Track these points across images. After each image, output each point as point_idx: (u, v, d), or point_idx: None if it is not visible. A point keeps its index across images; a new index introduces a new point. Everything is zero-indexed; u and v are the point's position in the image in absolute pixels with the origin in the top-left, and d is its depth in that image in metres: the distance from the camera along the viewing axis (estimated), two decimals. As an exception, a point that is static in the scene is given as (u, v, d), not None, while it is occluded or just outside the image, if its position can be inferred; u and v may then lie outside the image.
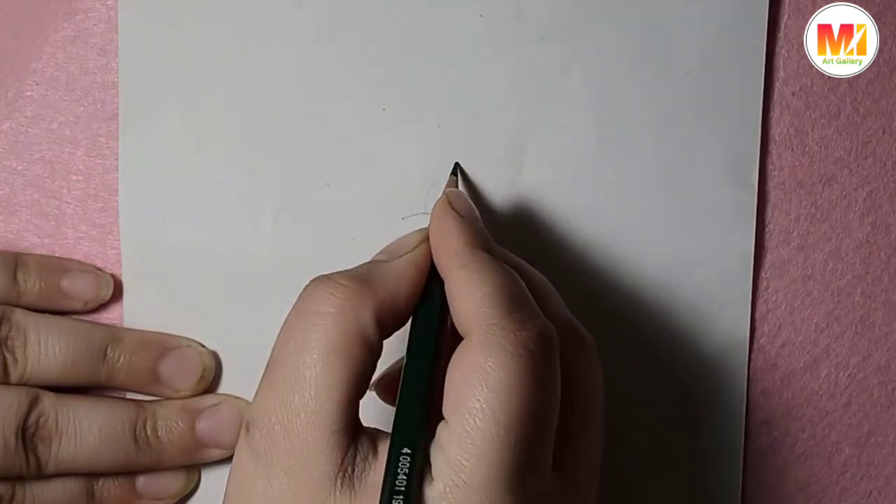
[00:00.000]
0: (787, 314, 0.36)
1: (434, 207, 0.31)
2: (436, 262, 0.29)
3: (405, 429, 0.26)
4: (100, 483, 0.34)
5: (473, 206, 0.31)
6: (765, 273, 0.36)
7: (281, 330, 0.28)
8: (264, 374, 0.28)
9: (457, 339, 0.27)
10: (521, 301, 0.27)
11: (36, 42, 0.35)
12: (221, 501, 0.28)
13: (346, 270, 0.28)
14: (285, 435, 0.26)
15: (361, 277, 0.28)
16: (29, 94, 0.35)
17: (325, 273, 0.28)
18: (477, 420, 0.25)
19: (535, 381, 0.26)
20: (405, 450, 0.26)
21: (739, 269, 0.36)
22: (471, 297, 0.27)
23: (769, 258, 0.36)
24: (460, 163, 0.35)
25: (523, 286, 0.28)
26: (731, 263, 0.36)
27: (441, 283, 0.29)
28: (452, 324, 0.28)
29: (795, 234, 0.36)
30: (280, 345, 0.28)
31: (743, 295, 0.36)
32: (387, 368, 0.31)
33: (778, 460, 0.37)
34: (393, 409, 0.27)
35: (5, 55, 0.36)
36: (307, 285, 0.28)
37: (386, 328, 0.28)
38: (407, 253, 0.29)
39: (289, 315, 0.28)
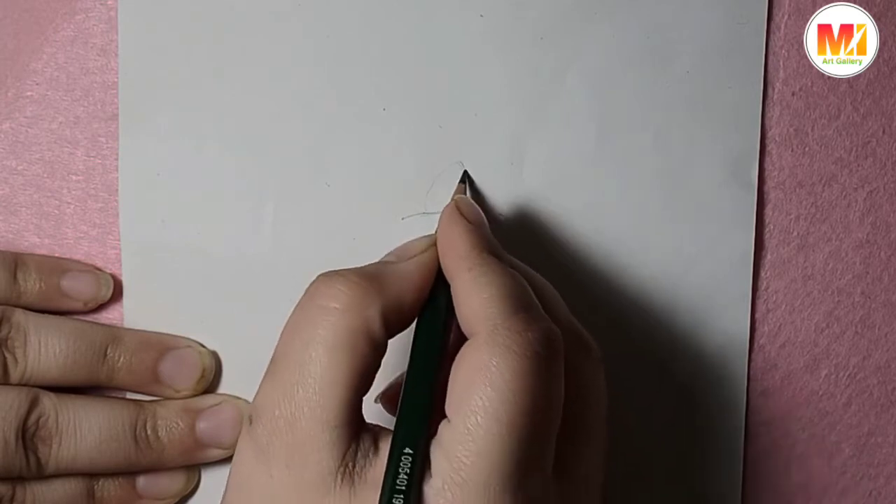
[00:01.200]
0: (787, 314, 0.36)
1: (442, 213, 0.31)
2: (443, 265, 0.29)
3: (407, 429, 0.26)
4: (100, 483, 0.34)
5: (481, 212, 0.31)
6: (765, 273, 0.36)
7: (287, 323, 0.28)
8: (268, 367, 0.28)
9: (460, 342, 0.27)
10: (527, 303, 0.27)
11: (36, 42, 0.35)
12: (222, 497, 0.28)
13: (355, 268, 0.28)
14: (288, 428, 0.26)
15: (370, 276, 0.28)
16: (29, 94, 0.35)
17: (333, 269, 0.28)
18: (479, 418, 0.25)
19: (539, 383, 0.26)
20: (407, 450, 0.26)
21: (739, 269, 0.36)
22: (477, 297, 0.27)
23: (769, 258, 0.36)
24: (461, 162, 0.35)
25: (529, 290, 0.28)
26: (731, 263, 0.36)
27: (447, 286, 0.29)
28: (456, 328, 0.28)
29: (795, 234, 0.36)
30: (285, 338, 0.28)
31: (743, 295, 0.36)
32: (392, 380, 0.32)
33: (778, 460, 0.37)
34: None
35: (5, 55, 0.36)
36: (315, 280, 0.28)
37: (391, 327, 0.28)
38: (415, 256, 0.29)
39: (295, 309, 0.28)
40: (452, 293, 0.28)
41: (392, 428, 0.27)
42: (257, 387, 0.35)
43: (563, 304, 0.31)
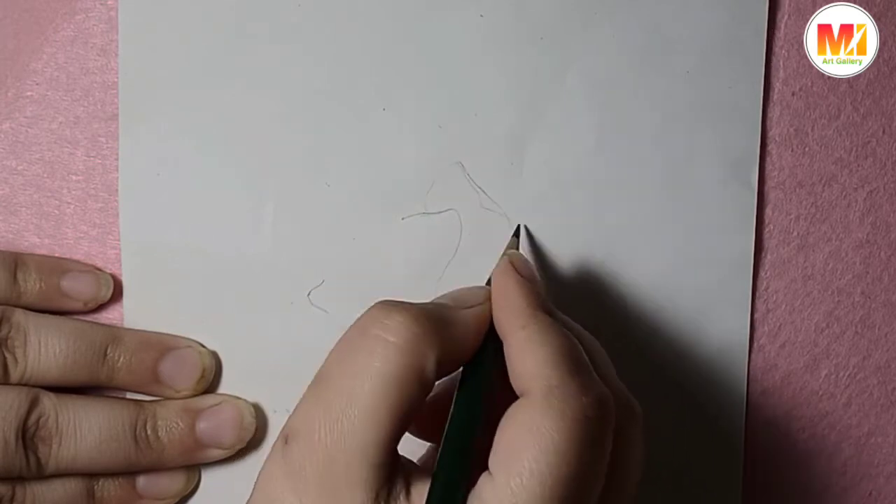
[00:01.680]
0: (787, 314, 0.36)
1: (496, 268, 0.31)
2: (496, 320, 0.29)
3: (447, 481, 0.26)
4: (100, 483, 0.34)
5: (535, 269, 0.31)
6: (765, 273, 0.36)
7: (339, 345, 0.27)
8: (313, 387, 0.27)
9: (506, 398, 0.27)
10: (581, 365, 0.27)
11: (36, 42, 0.35)
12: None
13: (416, 304, 0.28)
14: (326, 457, 0.26)
15: (432, 317, 0.27)
16: (29, 94, 0.35)
17: (392, 299, 0.28)
18: (524, 479, 0.25)
19: (588, 449, 0.26)
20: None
21: (739, 269, 0.36)
22: (532, 357, 0.27)
23: (769, 258, 0.36)
24: (461, 162, 0.35)
25: (582, 351, 0.28)
26: (731, 263, 0.36)
27: (496, 340, 0.29)
28: (503, 382, 0.28)
29: (795, 234, 0.36)
30: (336, 361, 0.27)
31: (743, 295, 0.36)
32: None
33: (778, 460, 0.37)
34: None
35: (5, 55, 0.36)
36: (374, 307, 0.27)
37: (442, 373, 0.27)
38: (473, 306, 0.29)
39: (350, 331, 0.27)
40: (506, 349, 0.28)
41: (418, 461, 0.26)
42: (257, 387, 0.35)
43: (610, 362, 0.31)
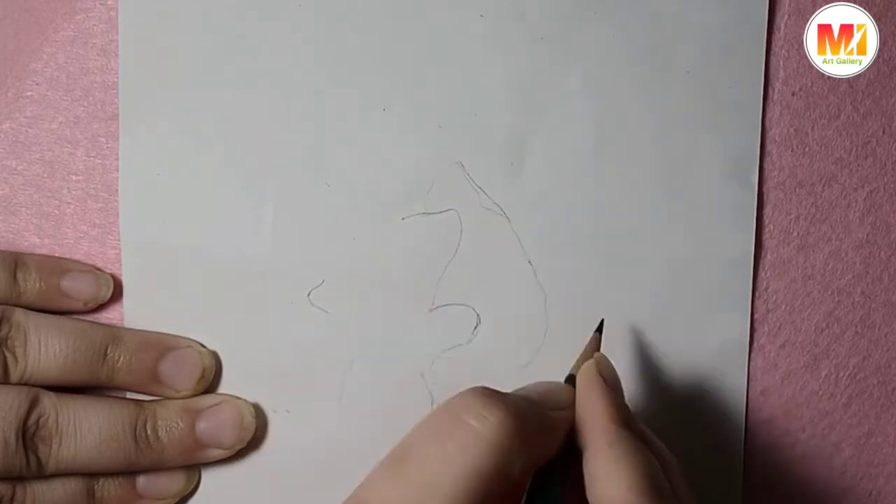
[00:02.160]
0: (787, 314, 0.36)
1: (582, 372, 0.30)
2: (580, 429, 0.29)
3: None
4: (100, 483, 0.34)
5: (617, 374, 0.31)
6: (765, 273, 0.36)
7: (425, 426, 0.27)
8: (391, 463, 0.26)
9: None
10: (665, 495, 0.27)
11: (36, 42, 0.35)
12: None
13: (512, 399, 0.27)
14: None
15: (528, 417, 0.27)
16: (29, 94, 0.35)
17: (485, 387, 0.27)
18: None
19: None
20: None
21: (739, 269, 0.36)
22: (618, 479, 0.27)
23: (769, 258, 0.36)
24: (461, 162, 0.35)
25: (663, 475, 0.28)
26: (731, 263, 0.36)
27: (573, 450, 0.29)
28: (576, 493, 0.28)
29: (795, 234, 0.36)
30: (421, 443, 0.26)
31: (743, 295, 0.36)
32: None
33: (778, 460, 0.37)
34: None
35: (5, 55, 0.36)
36: (470, 395, 0.27)
37: (525, 476, 0.27)
38: (559, 410, 0.29)
39: (440, 416, 0.27)
40: (588, 463, 0.28)
41: None
42: (257, 387, 0.35)
43: (683, 475, 0.30)
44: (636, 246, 0.35)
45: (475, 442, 0.26)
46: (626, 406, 0.30)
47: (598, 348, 0.33)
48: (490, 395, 0.27)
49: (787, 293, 0.36)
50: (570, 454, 0.29)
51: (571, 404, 0.29)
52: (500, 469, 0.26)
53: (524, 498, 0.28)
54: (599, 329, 0.34)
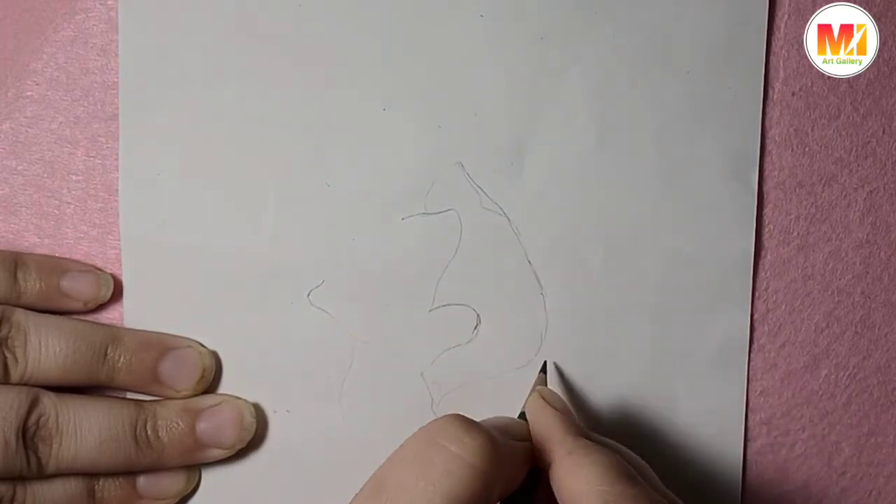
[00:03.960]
0: (787, 314, 0.36)
1: (528, 404, 0.31)
2: (540, 451, 0.30)
3: None
4: (100, 483, 0.34)
5: (564, 401, 0.32)
6: (765, 273, 0.36)
7: (404, 453, 0.27)
8: (373, 491, 0.26)
9: None
10: (632, 478, 0.28)
11: (36, 42, 0.35)
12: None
13: (484, 427, 0.27)
14: None
15: (502, 445, 0.27)
16: (29, 94, 0.35)
17: (459, 414, 0.27)
18: None
19: None
20: None
21: (739, 269, 0.36)
22: (583, 477, 0.27)
23: (769, 258, 0.36)
24: (461, 162, 0.35)
25: (628, 465, 0.28)
26: (731, 263, 0.36)
27: (534, 476, 0.30)
28: None
29: (795, 234, 0.36)
30: (404, 470, 0.26)
31: (743, 295, 0.36)
32: None
33: (778, 460, 0.37)
34: None
35: (5, 55, 0.36)
36: (446, 421, 0.27)
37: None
38: (521, 441, 0.30)
39: (416, 443, 0.27)
40: (553, 476, 0.28)
41: None
42: (257, 387, 0.35)
43: (654, 474, 0.31)
44: (636, 246, 0.35)
45: (458, 466, 0.26)
46: (579, 422, 0.31)
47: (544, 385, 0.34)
48: (467, 421, 0.27)
49: (787, 293, 0.36)
50: (534, 477, 0.30)
51: (529, 437, 0.30)
52: (481, 494, 0.26)
53: None
54: (543, 370, 0.35)
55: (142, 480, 0.35)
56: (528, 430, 0.30)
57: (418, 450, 0.26)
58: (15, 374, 0.33)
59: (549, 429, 0.30)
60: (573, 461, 0.28)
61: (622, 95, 0.35)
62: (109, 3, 0.35)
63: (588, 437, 0.30)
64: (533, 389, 0.33)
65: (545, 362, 0.35)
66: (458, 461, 0.26)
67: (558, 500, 0.28)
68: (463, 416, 0.27)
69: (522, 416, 0.32)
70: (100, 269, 0.36)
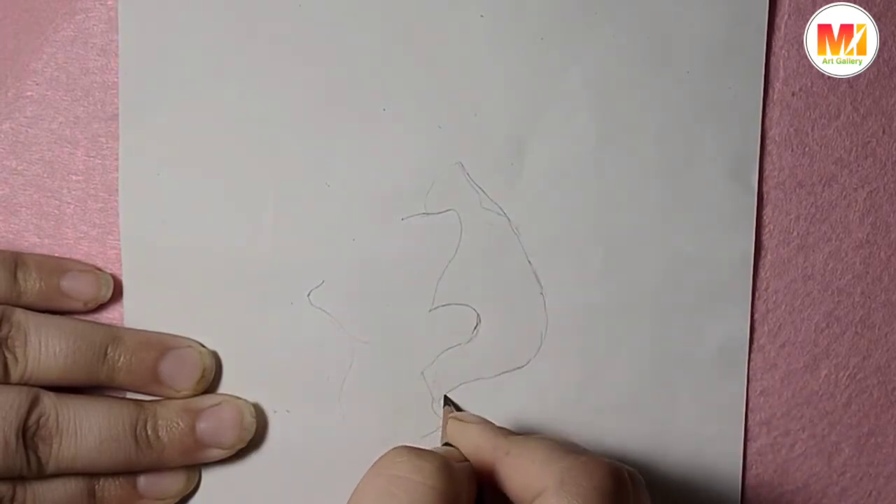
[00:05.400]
0: (787, 314, 0.36)
1: (448, 430, 0.32)
2: (477, 463, 0.30)
3: None
4: (100, 483, 0.34)
5: (477, 414, 0.33)
6: (765, 273, 0.36)
7: (363, 495, 0.27)
8: None
9: None
10: (577, 448, 0.28)
11: (36, 42, 0.35)
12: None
13: (436, 454, 0.28)
14: None
15: (455, 466, 0.28)
16: (29, 94, 0.35)
17: (405, 445, 0.28)
18: None
19: None
20: None
21: (739, 269, 0.36)
22: (533, 463, 0.28)
23: (769, 258, 0.36)
24: (461, 162, 0.35)
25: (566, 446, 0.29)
26: (731, 263, 0.36)
27: (481, 490, 0.30)
28: None
29: (795, 234, 0.36)
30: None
31: (743, 295, 0.36)
32: None
33: (778, 460, 0.37)
34: None
35: (5, 55, 0.36)
36: (396, 454, 0.27)
37: None
38: (463, 462, 0.30)
39: (376, 479, 0.27)
40: (500, 479, 0.29)
41: None
42: (257, 387, 0.35)
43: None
44: (636, 246, 0.35)
45: (422, 493, 0.26)
46: (502, 427, 0.31)
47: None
48: (416, 448, 0.28)
49: (787, 293, 0.36)
50: (480, 495, 0.30)
51: (465, 459, 0.31)
52: None
53: None
54: (447, 403, 0.35)
55: (142, 480, 0.35)
56: (461, 454, 0.31)
57: (379, 486, 0.27)
58: (15, 374, 0.33)
59: (479, 440, 0.30)
60: (515, 455, 0.28)
61: (622, 95, 0.35)
62: (109, 3, 0.35)
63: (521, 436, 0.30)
64: (445, 421, 0.33)
65: (445, 396, 0.35)
66: (420, 488, 0.26)
67: (512, 500, 0.28)
68: (410, 446, 0.28)
69: (448, 445, 0.32)
70: (100, 269, 0.36)
